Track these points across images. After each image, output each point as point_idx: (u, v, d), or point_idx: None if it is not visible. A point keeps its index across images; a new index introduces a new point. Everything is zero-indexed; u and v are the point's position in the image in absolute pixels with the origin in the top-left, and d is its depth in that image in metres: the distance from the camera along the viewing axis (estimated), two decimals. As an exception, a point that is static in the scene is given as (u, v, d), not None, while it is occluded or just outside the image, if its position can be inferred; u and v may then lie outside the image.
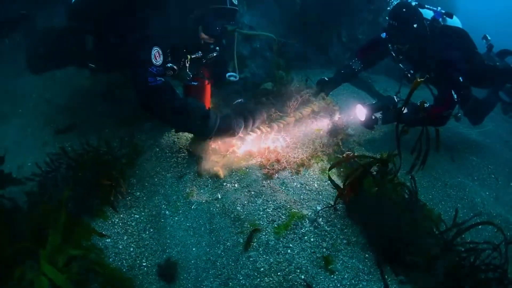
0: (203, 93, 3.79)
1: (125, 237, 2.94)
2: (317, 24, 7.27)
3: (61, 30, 4.04)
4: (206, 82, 3.83)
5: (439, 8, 4.54)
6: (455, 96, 4.07)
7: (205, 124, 3.35)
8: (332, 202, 2.97)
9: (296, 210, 2.95)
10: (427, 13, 4.45)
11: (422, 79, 2.52)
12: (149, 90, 3.21)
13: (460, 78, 4.13)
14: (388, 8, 4.54)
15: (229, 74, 4.01)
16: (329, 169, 2.95)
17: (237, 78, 4.02)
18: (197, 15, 3.43)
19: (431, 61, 4.37)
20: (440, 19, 4.44)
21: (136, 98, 3.34)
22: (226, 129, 3.43)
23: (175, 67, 3.50)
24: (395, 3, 4.69)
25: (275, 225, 2.82)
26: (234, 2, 3.46)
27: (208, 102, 3.80)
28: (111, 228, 3.00)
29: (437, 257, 2.52)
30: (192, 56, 3.64)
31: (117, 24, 3.55)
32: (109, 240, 2.89)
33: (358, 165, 2.79)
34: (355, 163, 3.16)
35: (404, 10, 4.23)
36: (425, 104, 4.01)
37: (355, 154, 3.69)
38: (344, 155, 3.55)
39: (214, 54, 3.76)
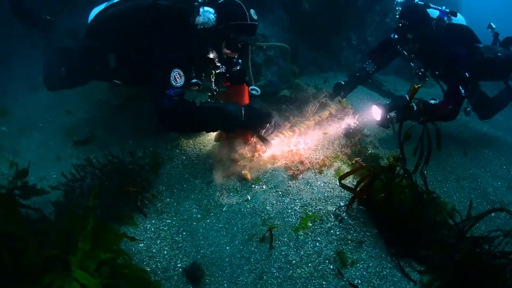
0: (242, 95, 4.01)
1: (158, 241, 3.07)
2: (327, 29, 7.48)
3: (82, 49, 4.10)
4: (244, 84, 4.02)
5: (443, 7, 4.77)
6: (462, 91, 4.28)
7: (227, 120, 3.51)
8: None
9: (322, 207, 3.15)
10: (433, 13, 4.70)
11: (420, 86, 2.69)
12: (165, 111, 3.42)
13: (466, 73, 4.33)
14: (398, 8, 4.74)
15: (251, 87, 4.14)
16: (339, 180, 3.07)
17: (259, 93, 4.16)
18: (219, 31, 3.54)
19: (439, 58, 4.59)
20: (445, 18, 4.67)
21: (155, 115, 3.52)
22: (255, 121, 3.61)
23: (200, 82, 3.66)
24: (400, 2, 4.90)
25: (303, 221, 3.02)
26: (254, 17, 3.54)
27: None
28: (144, 233, 3.13)
29: (451, 247, 2.61)
30: (217, 72, 3.79)
31: (139, 43, 3.69)
32: (142, 244, 3.00)
33: (367, 173, 2.94)
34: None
35: (413, 10, 4.49)
36: (433, 101, 4.27)
37: (369, 155, 3.91)
38: (354, 161, 3.72)
39: (238, 68, 3.89)
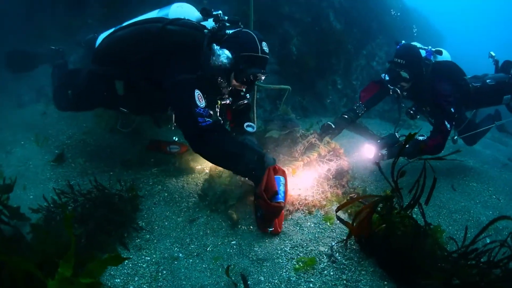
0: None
1: (136, 278, 2.85)
2: (312, 72, 7.63)
3: (89, 74, 3.98)
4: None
5: (429, 47, 5.02)
6: (448, 125, 4.50)
7: (259, 167, 3.25)
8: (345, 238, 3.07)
9: (313, 248, 3.08)
10: (421, 53, 4.91)
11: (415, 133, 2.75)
12: (200, 131, 3.17)
13: (451, 109, 4.56)
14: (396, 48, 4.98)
15: (247, 124, 3.95)
16: (336, 211, 3.07)
17: (254, 130, 3.98)
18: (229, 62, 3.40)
19: (426, 96, 4.81)
20: (432, 57, 4.91)
21: (187, 140, 3.29)
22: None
23: (211, 112, 3.46)
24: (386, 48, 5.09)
25: (294, 263, 2.93)
26: (265, 50, 3.40)
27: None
28: (120, 268, 2.93)
29: (449, 273, 2.57)
30: (222, 102, 3.66)
31: (147, 68, 3.54)
32: (118, 280, 2.81)
33: (364, 205, 2.91)
34: (361, 203, 3.28)
35: (409, 50, 4.75)
36: (421, 137, 4.49)
37: (360, 195, 3.90)
38: (349, 197, 3.76)
39: (245, 102, 3.78)
